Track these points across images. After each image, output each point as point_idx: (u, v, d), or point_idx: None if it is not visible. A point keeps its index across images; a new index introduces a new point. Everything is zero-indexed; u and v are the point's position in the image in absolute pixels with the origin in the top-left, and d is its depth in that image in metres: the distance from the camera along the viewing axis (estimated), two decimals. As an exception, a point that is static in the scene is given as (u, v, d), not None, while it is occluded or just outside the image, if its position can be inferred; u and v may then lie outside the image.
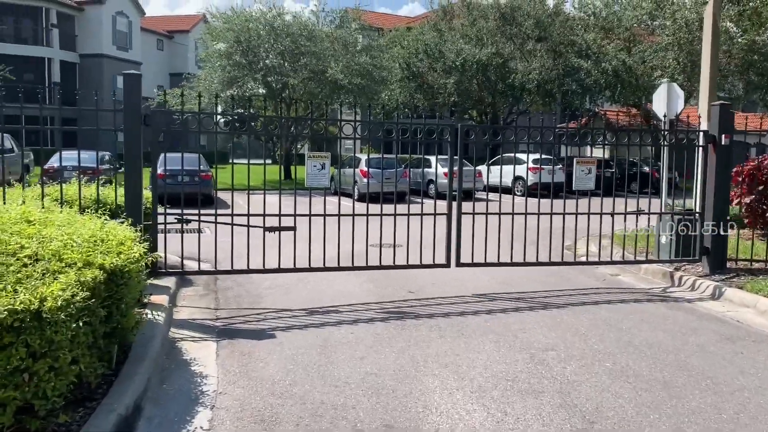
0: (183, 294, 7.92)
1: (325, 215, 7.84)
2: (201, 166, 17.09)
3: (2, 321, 3.33)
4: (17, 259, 4.00)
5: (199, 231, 7.88)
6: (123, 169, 7.17)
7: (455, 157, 8.15)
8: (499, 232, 8.54)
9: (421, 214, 8.22)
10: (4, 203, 5.99)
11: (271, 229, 7.64)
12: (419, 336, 6.24)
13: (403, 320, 6.82)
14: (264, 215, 7.67)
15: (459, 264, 8.25)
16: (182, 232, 7.54)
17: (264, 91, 29.53)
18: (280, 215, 7.60)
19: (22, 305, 3.42)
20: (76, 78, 43.14)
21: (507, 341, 6.12)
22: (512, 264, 8.60)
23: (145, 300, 6.69)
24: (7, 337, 3.37)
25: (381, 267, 8.02)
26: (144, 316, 6.06)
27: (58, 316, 3.52)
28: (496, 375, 5.20)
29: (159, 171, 7.82)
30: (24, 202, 6.04)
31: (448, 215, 8.17)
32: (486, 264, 8.39)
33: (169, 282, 7.80)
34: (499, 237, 8.52)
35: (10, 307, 3.37)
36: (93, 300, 4.00)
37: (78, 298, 3.75)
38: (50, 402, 3.55)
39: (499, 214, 8.45)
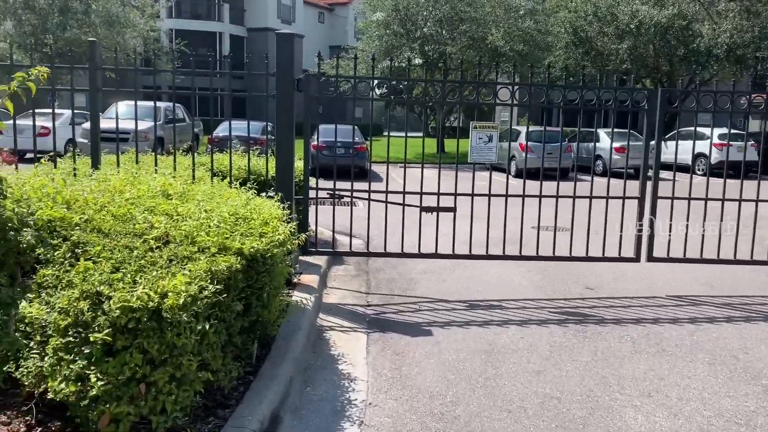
0: (333, 273, 7.36)
1: (489, 195, 6.83)
2: (356, 138, 16.71)
3: (115, 321, 2.75)
4: (144, 242, 3.45)
5: (352, 205, 7.24)
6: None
7: (647, 130, 6.73)
8: (704, 221, 7.01)
9: (607, 198, 6.92)
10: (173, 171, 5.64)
11: (429, 209, 6.77)
12: (607, 348, 5.09)
13: (584, 325, 5.68)
14: (421, 193, 6.82)
15: (651, 258, 6.89)
16: (334, 206, 6.95)
17: (420, 61, 28.80)
18: (438, 194, 6.71)
19: (138, 302, 2.82)
20: (243, 51, 45.12)
21: (726, 365, 4.79)
22: (719, 261, 7.05)
23: (295, 280, 6.16)
24: (121, 339, 2.78)
25: (555, 258, 6.89)
26: (291, 298, 5.50)
27: (180, 316, 2.89)
28: (721, 413, 3.97)
29: (314, 142, 7.24)
30: (173, 170, 5.68)
31: (640, 199, 6.81)
32: (685, 260, 6.95)
33: (320, 260, 7.27)
34: (704, 227, 7.00)
35: (124, 304, 2.78)
36: (226, 294, 3.36)
37: (206, 293, 3.11)
38: (170, 418, 2.94)
39: (705, 199, 6.93)
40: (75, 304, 2.87)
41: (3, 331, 2.35)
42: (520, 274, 7.42)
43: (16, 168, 4.86)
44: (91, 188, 4.03)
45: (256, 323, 4.09)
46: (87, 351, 2.78)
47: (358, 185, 7.00)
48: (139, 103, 6.41)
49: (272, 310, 4.25)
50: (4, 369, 2.39)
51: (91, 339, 2.74)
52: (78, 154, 6.48)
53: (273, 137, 6.58)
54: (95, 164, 6.05)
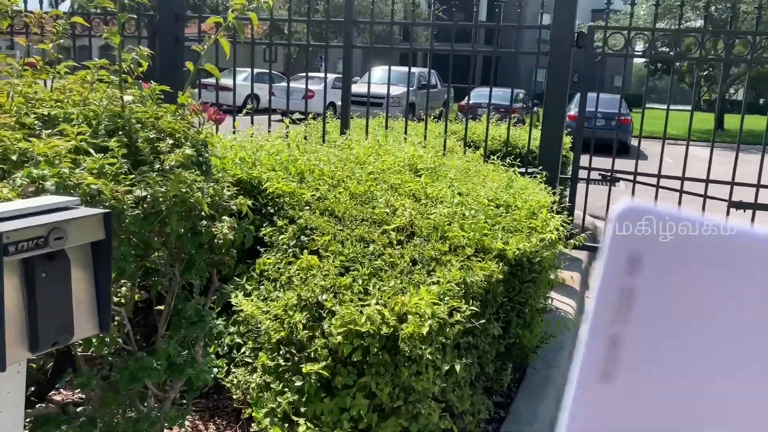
0: (595, 270, 6.08)
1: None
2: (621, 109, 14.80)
3: (336, 348, 1.98)
4: (383, 232, 2.65)
5: (611, 185, 5.85)
6: (537, 108, 5.55)
7: None
8: None
9: None
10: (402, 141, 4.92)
11: (740, 206, 5.16)
12: None
13: None
14: (732, 183, 5.20)
15: None
16: (610, 189, 5.67)
17: (700, 24, 24.97)
18: (758, 186, 5.05)
19: (369, 325, 2.01)
20: (500, 18, 43.79)
21: None
22: None
23: (551, 277, 5.07)
24: (342, 375, 2.01)
25: None
26: (549, 302, 4.44)
27: (421, 349, 2.03)
28: None
29: (570, 112, 5.99)
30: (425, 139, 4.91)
31: None
32: None
33: (581, 253, 6.05)
34: None
35: (350, 327, 1.99)
36: (482, 314, 2.44)
37: (458, 316, 2.21)
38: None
39: None
40: (290, 314, 2.17)
41: (188, 356, 1.72)
42: None
43: (216, 128, 4.47)
44: (329, 157, 3.37)
45: (512, 347, 3.13)
46: (299, 384, 2.06)
47: (622, 162, 5.62)
48: (393, 68, 5.77)
49: (535, 330, 3.25)
50: (209, 377, 1.78)
51: (304, 371, 2.01)
52: (330, 117, 6.09)
53: (525, 106, 5.41)
54: (344, 127, 5.55)
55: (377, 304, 2.11)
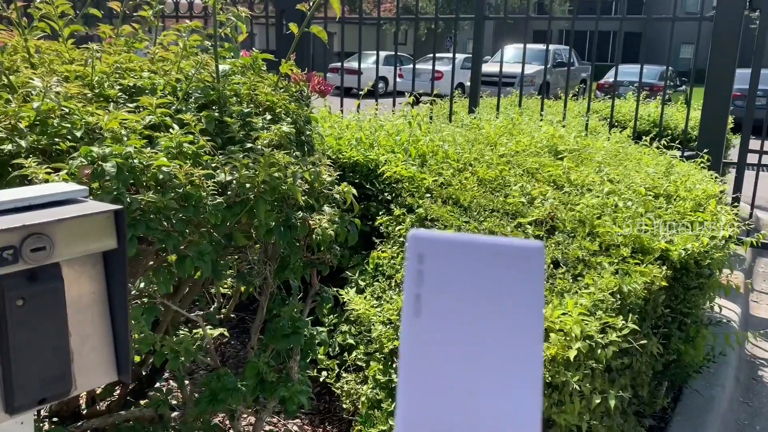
0: (760, 269, 5.29)
1: None
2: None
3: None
4: (518, 226, 2.22)
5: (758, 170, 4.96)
6: (684, 87, 4.79)
7: None
8: None
9: None
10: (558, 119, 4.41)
11: None
12: None
13: None
14: None
15: None
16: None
17: None
18: None
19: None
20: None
21: None
22: None
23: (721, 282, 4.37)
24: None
25: None
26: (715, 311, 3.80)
27: (566, 376, 1.61)
28: None
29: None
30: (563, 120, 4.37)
31: None
32: None
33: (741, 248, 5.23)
34: None
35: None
36: (639, 329, 1.97)
37: (613, 336, 1.76)
38: None
39: None
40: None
41: (283, 376, 1.43)
42: None
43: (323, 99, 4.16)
44: (455, 137, 2.97)
45: (672, 364, 2.61)
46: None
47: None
48: (528, 45, 5.25)
49: (699, 345, 2.69)
50: (305, 399, 1.50)
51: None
52: (458, 97, 5.69)
53: (672, 83, 4.67)
54: (473, 105, 5.12)
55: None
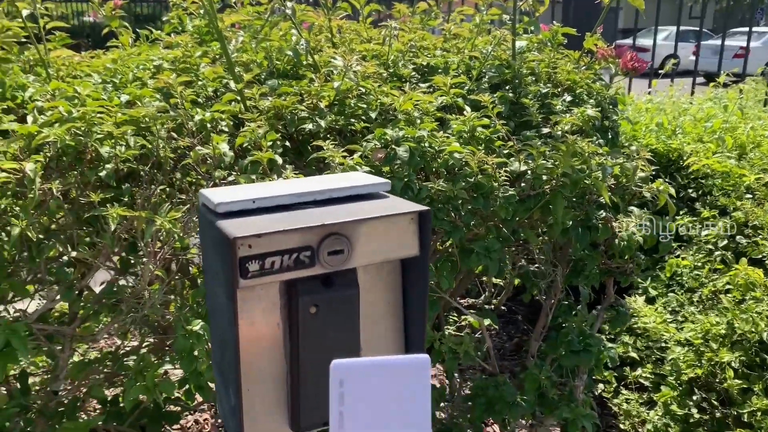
0: None
1: None
2: None
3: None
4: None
5: None
6: None
7: None
8: None
9: None
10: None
11: None
12: None
13: None
14: None
15: None
16: None
17: None
18: None
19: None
20: None
21: None
22: None
23: None
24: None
25: None
26: None
27: None
28: None
29: None
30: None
31: None
32: None
33: None
34: None
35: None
36: None
37: None
38: None
39: None
40: (713, 347, 1.51)
41: (565, 393, 1.24)
42: None
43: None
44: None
45: None
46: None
47: None
48: None
49: None
50: (589, 425, 1.31)
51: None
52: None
53: None
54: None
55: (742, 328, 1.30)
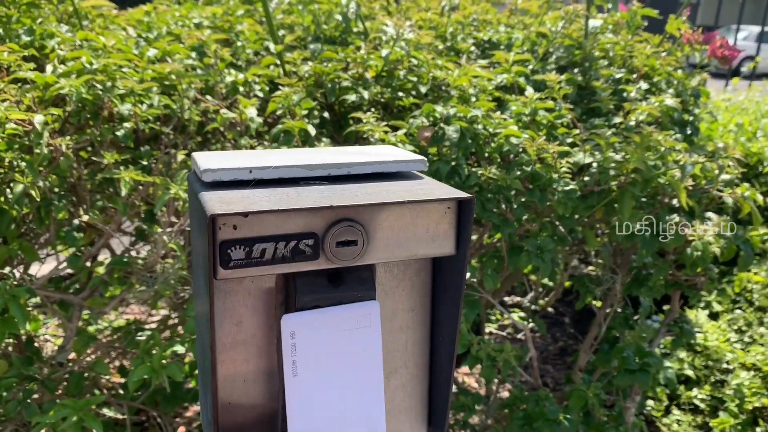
0: None
1: None
2: None
3: None
4: None
5: None
6: None
7: None
8: None
9: None
10: None
11: None
12: None
13: None
14: None
15: None
16: None
17: None
18: None
19: None
20: None
21: None
22: None
23: None
24: None
25: None
26: None
27: None
28: None
29: None
30: None
31: None
32: None
33: None
34: None
35: None
36: None
37: None
38: None
39: None
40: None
41: (613, 413, 1.10)
42: None
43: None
44: None
45: None
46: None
47: None
48: None
49: None
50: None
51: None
52: None
53: None
54: None
55: None
